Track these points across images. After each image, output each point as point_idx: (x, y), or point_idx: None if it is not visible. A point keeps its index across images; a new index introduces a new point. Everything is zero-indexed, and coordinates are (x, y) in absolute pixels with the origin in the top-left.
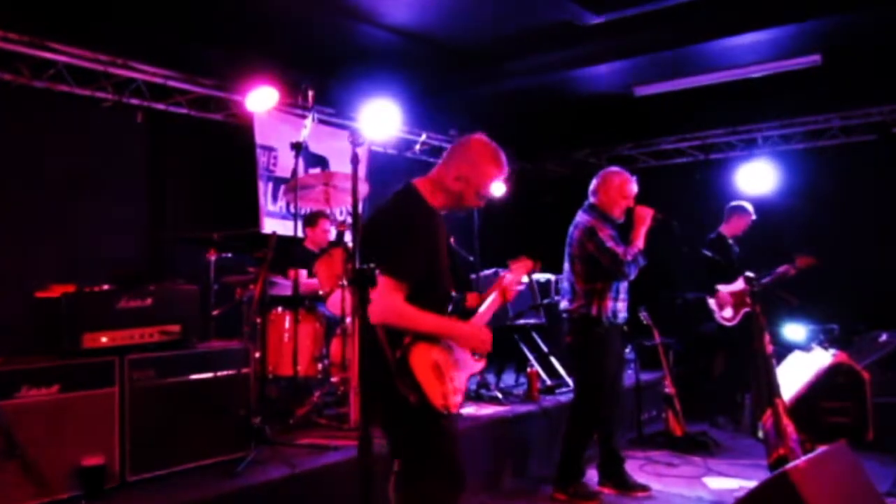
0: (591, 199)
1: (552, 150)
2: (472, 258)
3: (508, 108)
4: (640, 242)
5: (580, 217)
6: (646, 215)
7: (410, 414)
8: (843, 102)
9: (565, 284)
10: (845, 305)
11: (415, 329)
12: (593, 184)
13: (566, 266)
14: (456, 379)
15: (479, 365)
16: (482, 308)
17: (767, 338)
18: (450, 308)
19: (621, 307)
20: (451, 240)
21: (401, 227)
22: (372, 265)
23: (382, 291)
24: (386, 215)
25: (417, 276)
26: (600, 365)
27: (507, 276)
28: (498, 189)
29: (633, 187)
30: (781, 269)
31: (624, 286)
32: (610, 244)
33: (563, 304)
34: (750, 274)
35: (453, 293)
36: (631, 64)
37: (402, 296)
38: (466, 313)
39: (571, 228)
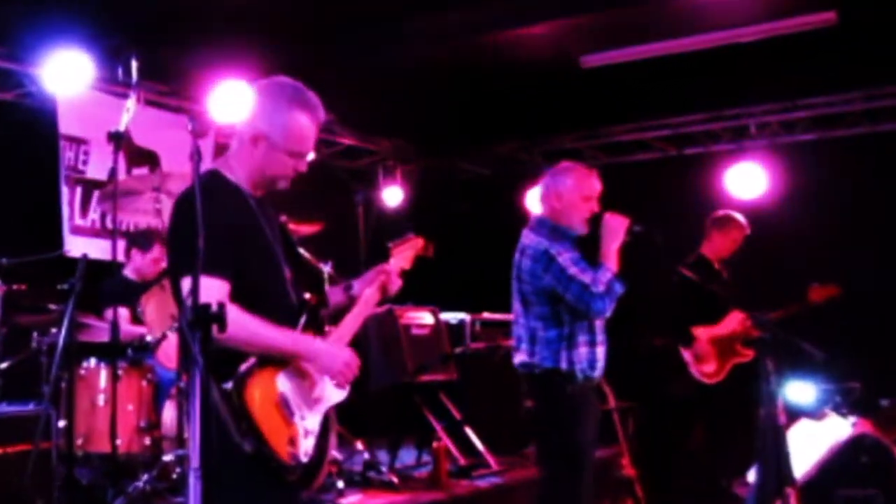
0: (541, 211)
1: (467, 142)
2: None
3: (408, 87)
4: (612, 264)
5: (527, 238)
6: (618, 227)
7: (241, 473)
8: (867, 77)
9: (520, 331)
10: (870, 355)
11: (256, 344)
12: (540, 188)
13: (516, 305)
14: (308, 418)
15: (341, 395)
16: (348, 316)
17: (780, 403)
18: (302, 321)
19: (600, 354)
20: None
21: (194, 212)
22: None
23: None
24: (180, 206)
25: (230, 266)
26: (577, 436)
27: (390, 264)
28: (393, 196)
29: (595, 184)
30: (794, 303)
31: (599, 325)
32: (573, 271)
33: (520, 358)
34: (756, 314)
35: (308, 301)
36: (576, 24)
37: (225, 296)
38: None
39: (517, 255)
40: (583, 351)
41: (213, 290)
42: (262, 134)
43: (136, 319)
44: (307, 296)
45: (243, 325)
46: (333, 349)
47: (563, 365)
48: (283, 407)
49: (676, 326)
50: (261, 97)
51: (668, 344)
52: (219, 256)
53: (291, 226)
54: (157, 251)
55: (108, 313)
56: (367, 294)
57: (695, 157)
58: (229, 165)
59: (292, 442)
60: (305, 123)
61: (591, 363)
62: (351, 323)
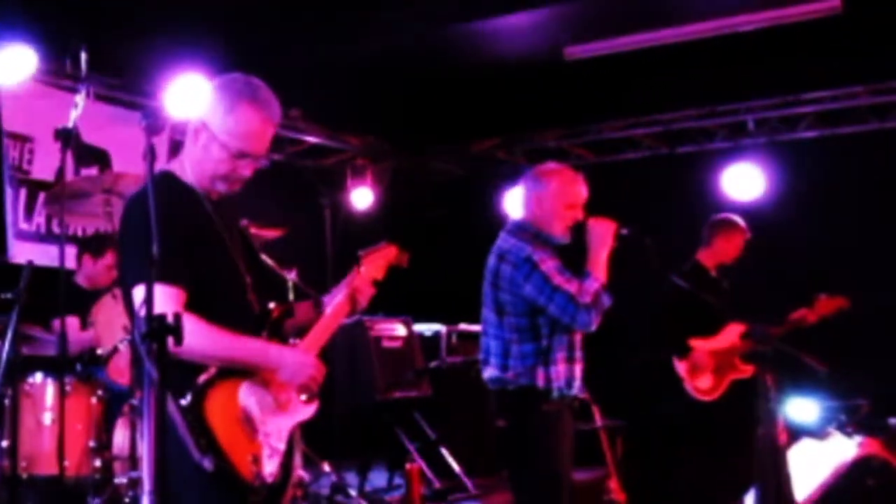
0: (521, 215)
1: (442, 140)
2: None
3: (377, 81)
4: (600, 273)
5: (506, 242)
6: (605, 232)
7: (201, 494)
8: (874, 70)
9: (490, 342)
10: (877, 370)
11: (217, 356)
12: (522, 191)
13: (489, 314)
14: (273, 434)
15: (309, 410)
16: (315, 328)
17: (781, 422)
18: (265, 332)
19: (577, 371)
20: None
21: (146, 216)
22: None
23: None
24: (131, 209)
25: (185, 274)
26: (552, 459)
27: (360, 273)
28: (363, 199)
29: (580, 190)
30: (796, 315)
31: (578, 340)
32: (558, 280)
33: (490, 372)
34: (756, 326)
35: (271, 311)
36: (560, 12)
37: (181, 305)
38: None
39: (493, 259)
40: (561, 368)
41: (168, 299)
42: (202, 124)
43: (87, 327)
44: (270, 305)
45: (203, 335)
46: (301, 357)
47: (540, 382)
48: (246, 423)
49: (669, 338)
50: (213, 91)
51: (660, 357)
52: (172, 263)
53: (253, 230)
54: (110, 257)
55: (56, 325)
56: (336, 304)
57: (688, 155)
58: (183, 166)
59: (256, 460)
60: (252, 119)
61: (569, 381)
62: (318, 335)
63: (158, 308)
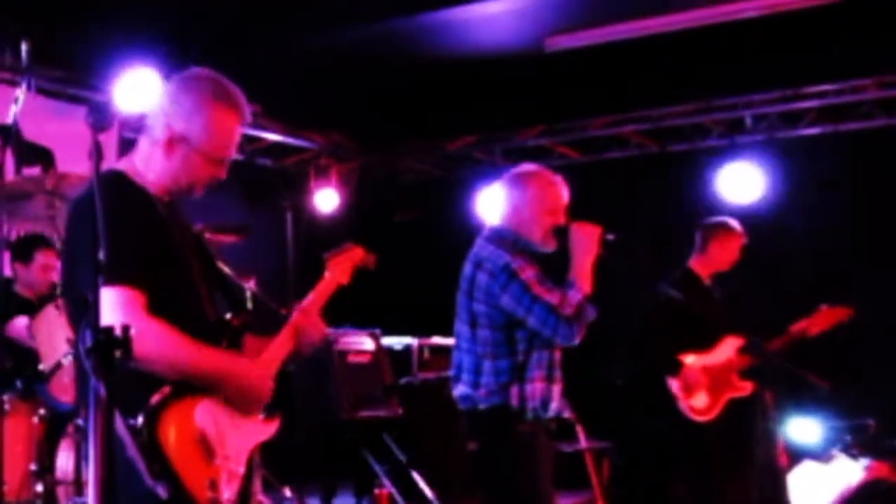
0: (499, 220)
1: (413, 138)
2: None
3: (342, 74)
4: (585, 283)
5: (483, 249)
6: (590, 238)
7: None
8: (881, 62)
9: (463, 357)
10: (886, 387)
11: (181, 365)
12: (501, 194)
13: (462, 327)
14: (232, 457)
15: (269, 430)
16: (276, 340)
17: (781, 443)
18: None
19: (555, 393)
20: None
21: (95, 218)
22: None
23: (112, 312)
24: (78, 211)
25: (143, 276)
26: (528, 485)
27: (325, 277)
28: (327, 201)
29: (561, 194)
30: (797, 327)
31: (558, 358)
32: (538, 290)
33: (461, 389)
34: (754, 340)
35: (229, 322)
36: (540, 0)
37: (144, 309)
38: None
39: (469, 267)
40: (538, 387)
41: (127, 302)
42: (179, 136)
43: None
44: (228, 315)
45: (171, 344)
46: (259, 372)
47: (513, 401)
48: (203, 445)
49: (661, 353)
50: (177, 94)
51: (650, 374)
52: (130, 263)
53: (208, 235)
54: (41, 258)
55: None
56: (303, 307)
57: (680, 154)
58: (135, 167)
59: (213, 486)
60: (229, 124)
61: (545, 402)
62: (279, 348)
63: (118, 312)
